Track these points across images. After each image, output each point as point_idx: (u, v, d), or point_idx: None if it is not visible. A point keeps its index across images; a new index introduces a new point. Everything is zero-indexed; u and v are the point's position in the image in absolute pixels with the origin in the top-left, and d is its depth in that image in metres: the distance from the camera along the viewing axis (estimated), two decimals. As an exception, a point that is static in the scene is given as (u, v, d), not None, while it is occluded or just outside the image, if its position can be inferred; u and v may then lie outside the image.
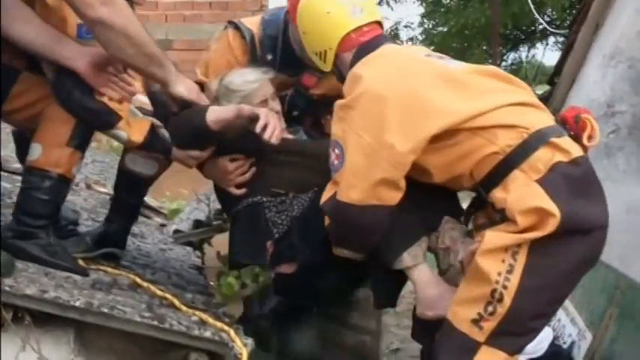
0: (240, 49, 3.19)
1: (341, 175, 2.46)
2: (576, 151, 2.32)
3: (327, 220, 2.61)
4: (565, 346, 3.75)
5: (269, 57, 3.17)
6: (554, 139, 2.31)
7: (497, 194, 2.33)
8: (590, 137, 2.35)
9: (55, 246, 2.85)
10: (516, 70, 20.47)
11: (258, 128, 2.83)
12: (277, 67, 3.16)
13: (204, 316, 2.74)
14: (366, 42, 2.66)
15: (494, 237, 2.30)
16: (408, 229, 2.57)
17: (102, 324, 2.48)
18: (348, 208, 2.45)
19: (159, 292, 2.93)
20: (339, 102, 2.53)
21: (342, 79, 2.65)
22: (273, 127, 2.84)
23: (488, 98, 2.40)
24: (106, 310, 2.48)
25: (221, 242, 6.07)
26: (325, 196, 2.56)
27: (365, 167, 2.41)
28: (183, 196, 6.58)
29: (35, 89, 2.80)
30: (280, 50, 3.18)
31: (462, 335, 2.34)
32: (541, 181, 2.25)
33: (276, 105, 3.08)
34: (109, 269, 3.06)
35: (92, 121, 2.85)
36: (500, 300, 2.28)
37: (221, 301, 3.65)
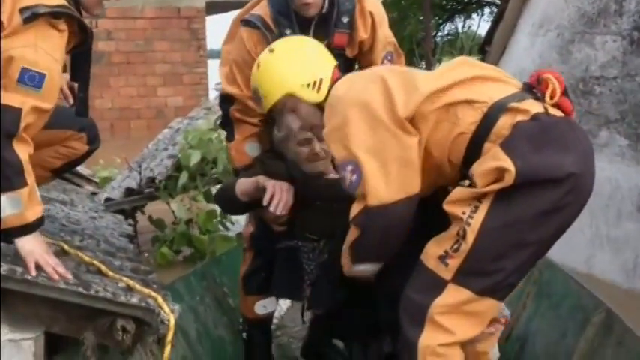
0: (254, 42, 3.19)
1: (364, 185, 2.48)
2: (536, 108, 2.38)
3: (352, 235, 2.63)
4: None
5: (287, 32, 3.18)
6: (513, 104, 2.38)
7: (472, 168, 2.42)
8: (552, 95, 2.41)
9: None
10: (452, 40, 20.63)
11: (264, 201, 2.93)
12: None
13: (132, 283, 2.72)
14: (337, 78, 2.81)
15: (459, 190, 2.40)
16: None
17: (25, 291, 2.46)
18: (379, 210, 2.48)
19: (86, 259, 2.90)
20: (326, 131, 2.60)
21: None
22: (277, 200, 2.92)
23: (447, 75, 2.49)
24: (29, 277, 2.46)
25: (153, 210, 6.06)
26: (353, 213, 2.57)
27: (381, 166, 2.46)
28: (115, 164, 6.52)
29: None
30: (296, 21, 3.20)
31: (429, 272, 2.41)
32: (502, 143, 2.33)
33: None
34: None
35: None
36: (464, 237, 2.34)
37: (153, 267, 3.64)
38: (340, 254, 2.83)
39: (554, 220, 2.36)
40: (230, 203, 3.20)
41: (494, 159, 2.32)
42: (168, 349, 2.61)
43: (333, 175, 3.18)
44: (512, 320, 3.61)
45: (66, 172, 3.14)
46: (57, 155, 3.02)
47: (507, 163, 2.28)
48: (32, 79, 2.58)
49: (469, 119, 2.41)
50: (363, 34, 3.30)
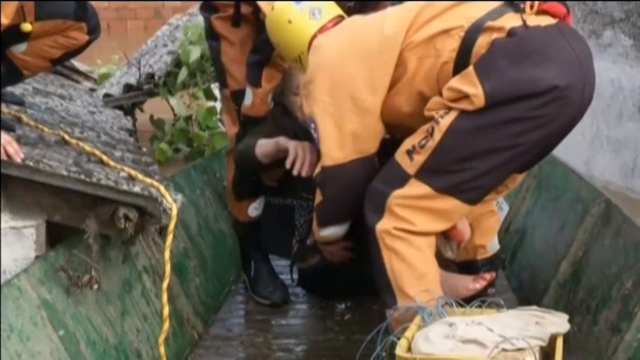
0: None
1: (320, 144, 2.55)
2: (513, 22, 2.35)
3: (317, 198, 2.67)
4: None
5: None
6: (489, 23, 2.36)
7: None
8: (531, 5, 2.38)
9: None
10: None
11: (287, 164, 2.92)
12: None
13: (134, 172, 2.71)
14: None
15: (436, 98, 2.41)
16: None
17: (26, 177, 2.44)
18: (334, 170, 2.55)
19: (87, 149, 2.89)
20: (302, 81, 2.65)
21: None
22: (301, 161, 2.89)
23: (419, 17, 2.48)
24: (31, 164, 2.44)
25: (153, 107, 6.03)
26: (315, 172, 2.64)
27: (334, 127, 2.52)
28: (114, 61, 6.44)
29: None
30: None
31: (396, 165, 2.45)
32: (475, 63, 2.33)
33: None
34: (36, 124, 3.02)
35: None
36: (432, 134, 2.37)
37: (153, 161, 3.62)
38: None
39: (532, 128, 2.34)
40: (250, 165, 3.17)
41: (465, 81, 2.32)
42: (170, 237, 2.61)
43: None
44: (510, 214, 3.63)
45: (65, 61, 3.11)
46: (56, 45, 2.98)
47: (475, 89, 2.29)
48: None
49: (448, 47, 2.40)
50: None
